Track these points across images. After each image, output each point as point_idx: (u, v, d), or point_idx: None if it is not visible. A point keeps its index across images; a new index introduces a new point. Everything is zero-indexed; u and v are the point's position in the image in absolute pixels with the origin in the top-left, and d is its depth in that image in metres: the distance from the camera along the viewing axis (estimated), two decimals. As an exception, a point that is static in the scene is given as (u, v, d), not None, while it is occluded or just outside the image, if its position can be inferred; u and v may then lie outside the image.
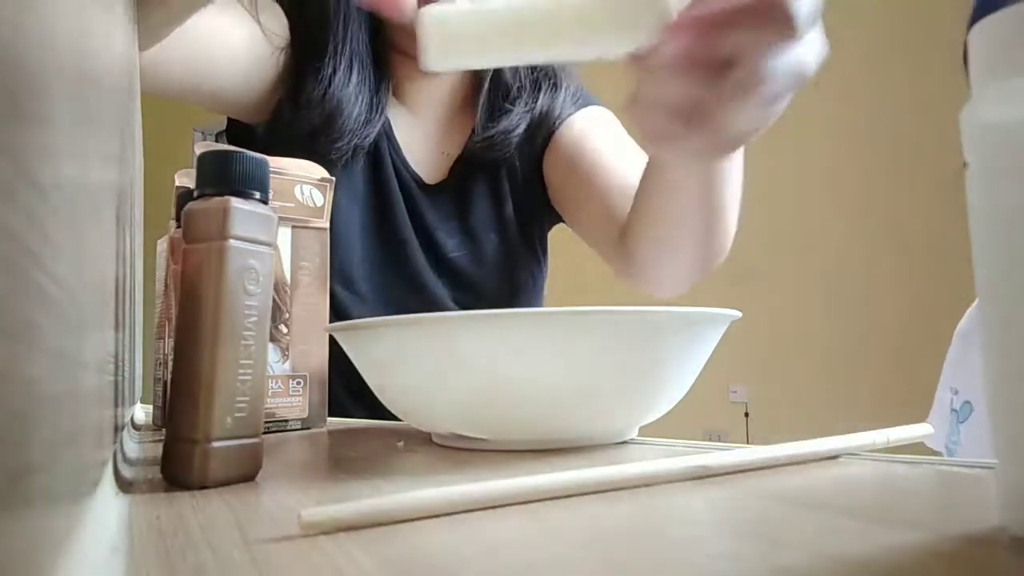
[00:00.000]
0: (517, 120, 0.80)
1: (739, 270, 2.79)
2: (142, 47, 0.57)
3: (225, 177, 0.31)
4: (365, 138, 0.74)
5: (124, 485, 0.31)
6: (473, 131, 0.82)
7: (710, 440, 0.74)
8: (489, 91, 0.81)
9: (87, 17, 0.21)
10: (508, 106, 0.80)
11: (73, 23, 0.17)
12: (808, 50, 0.35)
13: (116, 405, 0.36)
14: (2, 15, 0.10)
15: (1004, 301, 0.19)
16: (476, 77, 0.81)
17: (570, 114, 0.81)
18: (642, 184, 0.63)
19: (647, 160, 0.61)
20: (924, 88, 2.46)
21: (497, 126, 0.79)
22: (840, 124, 2.73)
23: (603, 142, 0.80)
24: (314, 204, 0.55)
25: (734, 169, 0.56)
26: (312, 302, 0.55)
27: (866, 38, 2.69)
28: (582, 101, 0.84)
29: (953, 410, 0.71)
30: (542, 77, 0.82)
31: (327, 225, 0.56)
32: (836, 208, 2.73)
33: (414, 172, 0.80)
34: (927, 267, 2.52)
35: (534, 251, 0.86)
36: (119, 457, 0.37)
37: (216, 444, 0.29)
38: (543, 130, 0.82)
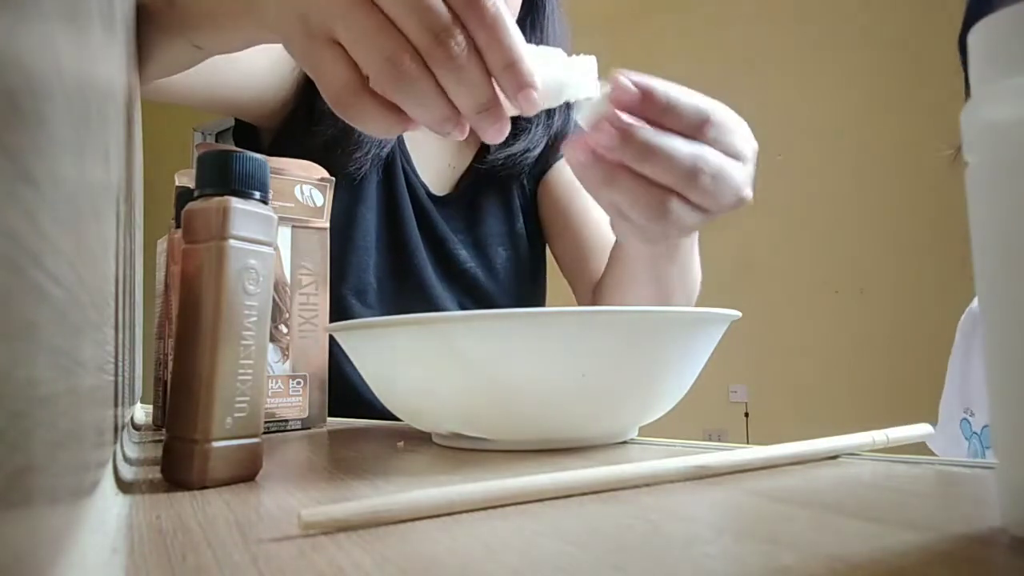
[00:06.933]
0: (537, 140, 0.81)
1: (739, 270, 2.79)
2: (158, 76, 0.57)
3: (225, 177, 0.31)
4: (383, 148, 0.74)
5: (124, 485, 0.31)
6: (482, 146, 0.82)
7: (710, 440, 0.74)
8: None
9: (87, 18, 0.21)
10: (525, 123, 0.80)
11: (73, 24, 0.17)
12: (742, 175, 0.40)
13: (116, 405, 0.36)
14: (2, 16, 0.10)
15: (1004, 300, 0.19)
16: None
17: None
18: (610, 254, 0.71)
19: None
20: (924, 87, 2.46)
21: (516, 145, 0.80)
22: (840, 124, 2.73)
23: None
24: (314, 204, 0.55)
25: (683, 249, 0.60)
26: (312, 302, 0.55)
27: (866, 37, 2.69)
28: None
29: (974, 433, 0.69)
30: None
31: (327, 225, 0.56)
32: (836, 208, 2.73)
33: (423, 182, 0.80)
34: (927, 267, 2.52)
35: (539, 262, 0.87)
36: (119, 457, 0.37)
37: (216, 444, 0.29)
38: (555, 151, 0.83)
